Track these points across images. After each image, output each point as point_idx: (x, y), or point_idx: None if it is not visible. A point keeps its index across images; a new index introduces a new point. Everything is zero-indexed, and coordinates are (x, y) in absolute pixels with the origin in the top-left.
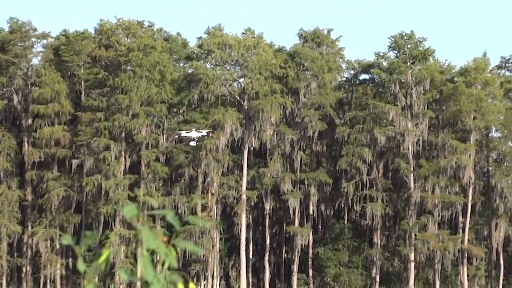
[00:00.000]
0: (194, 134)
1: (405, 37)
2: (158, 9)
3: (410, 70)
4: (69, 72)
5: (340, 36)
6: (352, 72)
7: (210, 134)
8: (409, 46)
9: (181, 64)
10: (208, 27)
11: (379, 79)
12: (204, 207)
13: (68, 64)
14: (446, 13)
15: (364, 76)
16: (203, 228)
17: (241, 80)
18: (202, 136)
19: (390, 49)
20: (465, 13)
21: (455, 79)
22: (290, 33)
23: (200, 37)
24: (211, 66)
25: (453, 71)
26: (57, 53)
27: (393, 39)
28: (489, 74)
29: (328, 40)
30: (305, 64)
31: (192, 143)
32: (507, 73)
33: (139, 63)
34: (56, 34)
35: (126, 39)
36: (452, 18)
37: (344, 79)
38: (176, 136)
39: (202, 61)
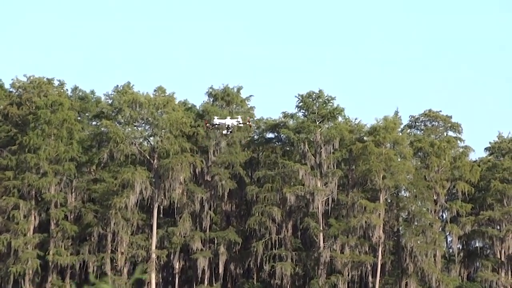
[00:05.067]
0: (228, 121)
1: (313, 96)
2: (72, 67)
3: (319, 129)
4: None
5: (251, 95)
6: (261, 130)
7: (247, 123)
8: (317, 105)
9: (93, 123)
10: (117, 85)
11: (287, 139)
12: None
13: None
14: (359, 73)
15: (272, 135)
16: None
17: (151, 138)
18: (238, 124)
19: (298, 108)
20: (378, 72)
21: (365, 138)
22: (201, 91)
23: (107, 93)
24: (121, 124)
25: (363, 130)
26: None
27: (300, 98)
28: (400, 133)
29: (238, 99)
30: None
31: (225, 132)
32: (417, 132)
33: (47, 120)
34: None
35: (37, 96)
36: (365, 78)
37: (254, 137)
38: (208, 124)
39: (112, 120)
